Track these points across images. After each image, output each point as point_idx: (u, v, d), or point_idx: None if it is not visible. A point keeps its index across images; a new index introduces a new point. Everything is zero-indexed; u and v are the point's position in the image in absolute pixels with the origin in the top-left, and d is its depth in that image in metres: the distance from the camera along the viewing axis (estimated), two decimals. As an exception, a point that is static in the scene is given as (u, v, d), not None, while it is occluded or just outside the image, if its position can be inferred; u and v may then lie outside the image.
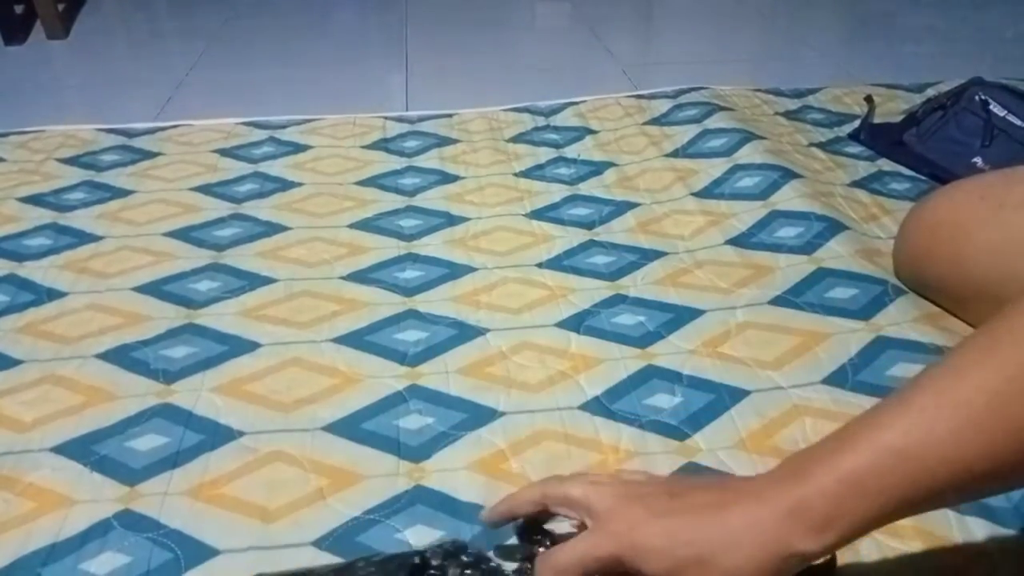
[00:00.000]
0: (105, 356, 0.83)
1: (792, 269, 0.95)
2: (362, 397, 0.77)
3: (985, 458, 0.38)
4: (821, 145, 1.27)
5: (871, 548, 0.61)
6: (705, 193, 1.12)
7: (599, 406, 0.76)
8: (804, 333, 0.84)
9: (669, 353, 0.82)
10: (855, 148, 1.27)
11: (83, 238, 1.04)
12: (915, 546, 0.61)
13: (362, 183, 1.17)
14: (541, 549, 0.53)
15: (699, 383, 0.78)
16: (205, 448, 0.71)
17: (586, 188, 1.16)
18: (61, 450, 0.71)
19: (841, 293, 0.90)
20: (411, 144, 1.29)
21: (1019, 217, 0.76)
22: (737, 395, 0.76)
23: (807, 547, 0.42)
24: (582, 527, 0.50)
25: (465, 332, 0.86)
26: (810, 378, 0.78)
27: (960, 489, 0.41)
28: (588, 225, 1.06)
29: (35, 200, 1.13)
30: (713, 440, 0.71)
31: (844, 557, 0.61)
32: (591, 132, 1.32)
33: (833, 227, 1.01)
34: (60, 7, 1.91)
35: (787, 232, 1.01)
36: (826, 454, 0.43)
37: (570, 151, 1.26)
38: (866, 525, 0.42)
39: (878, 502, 0.40)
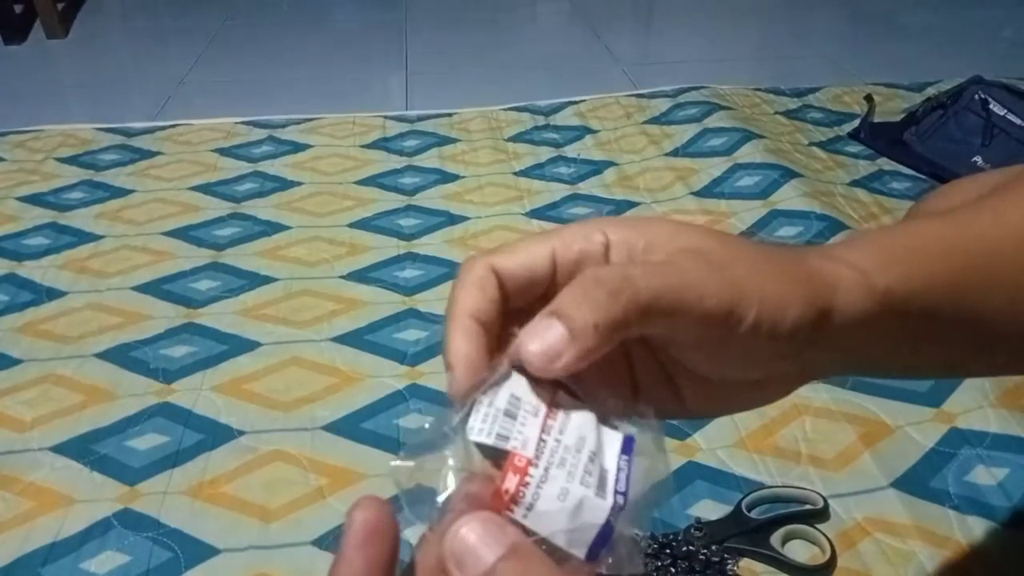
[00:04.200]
0: (105, 355, 0.83)
1: (792, 268, 0.94)
2: (362, 396, 0.77)
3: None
4: (821, 144, 1.27)
5: (871, 548, 0.61)
6: (705, 192, 1.12)
7: (599, 405, 0.76)
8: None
9: (669, 352, 0.82)
10: (855, 147, 1.27)
11: (82, 237, 1.04)
12: (915, 545, 0.61)
13: (362, 182, 1.17)
14: None
15: (699, 382, 0.78)
16: (205, 447, 0.71)
17: (586, 187, 1.15)
18: (61, 449, 0.71)
19: (841, 292, 0.90)
20: (411, 143, 1.29)
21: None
22: (737, 394, 0.76)
23: None
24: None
25: (465, 331, 0.86)
26: (810, 377, 0.78)
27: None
28: (588, 224, 1.06)
29: (34, 199, 1.13)
30: (713, 439, 0.71)
31: (844, 557, 0.61)
32: (591, 131, 1.32)
33: (833, 226, 1.01)
34: (60, 7, 1.91)
35: (787, 231, 1.01)
36: None
37: (570, 150, 1.26)
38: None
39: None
